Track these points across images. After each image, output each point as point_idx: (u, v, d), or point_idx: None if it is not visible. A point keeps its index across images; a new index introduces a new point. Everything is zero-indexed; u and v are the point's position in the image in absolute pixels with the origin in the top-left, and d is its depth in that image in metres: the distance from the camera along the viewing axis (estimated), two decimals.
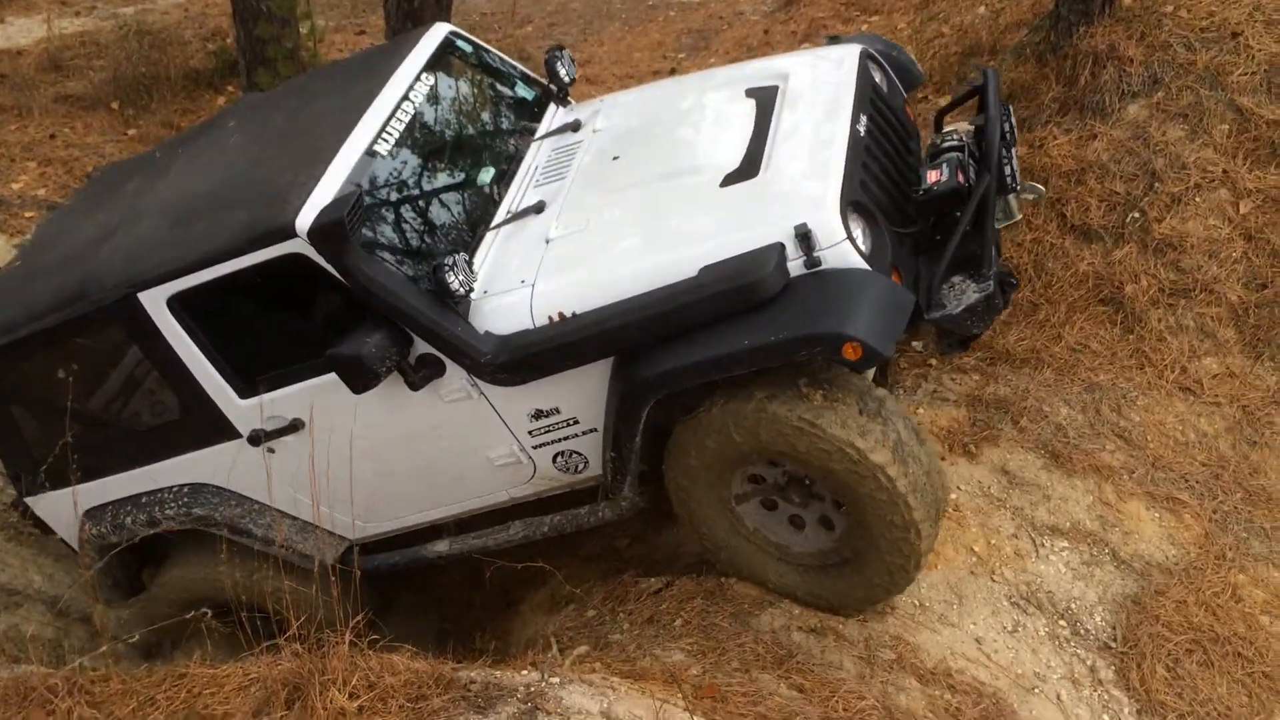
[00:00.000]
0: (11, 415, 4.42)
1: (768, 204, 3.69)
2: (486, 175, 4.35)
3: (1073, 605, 4.14)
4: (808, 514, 3.91)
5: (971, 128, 4.29)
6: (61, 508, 4.50)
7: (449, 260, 3.69)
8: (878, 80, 4.45)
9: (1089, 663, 3.97)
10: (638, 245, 3.76)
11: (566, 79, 4.92)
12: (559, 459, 4.07)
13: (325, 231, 3.60)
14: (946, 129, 4.44)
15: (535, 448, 4.04)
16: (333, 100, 4.43)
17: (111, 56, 9.32)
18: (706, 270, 3.53)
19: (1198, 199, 5.24)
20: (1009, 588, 4.13)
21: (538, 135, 4.67)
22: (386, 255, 3.80)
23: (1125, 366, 4.98)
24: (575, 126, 4.64)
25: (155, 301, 3.95)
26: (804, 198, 3.64)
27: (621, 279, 3.66)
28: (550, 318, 3.71)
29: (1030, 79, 6.14)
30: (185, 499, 4.35)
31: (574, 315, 3.68)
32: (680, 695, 3.35)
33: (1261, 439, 4.75)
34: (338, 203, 3.64)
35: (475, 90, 4.79)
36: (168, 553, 4.71)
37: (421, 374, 3.78)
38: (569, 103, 4.96)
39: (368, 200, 3.86)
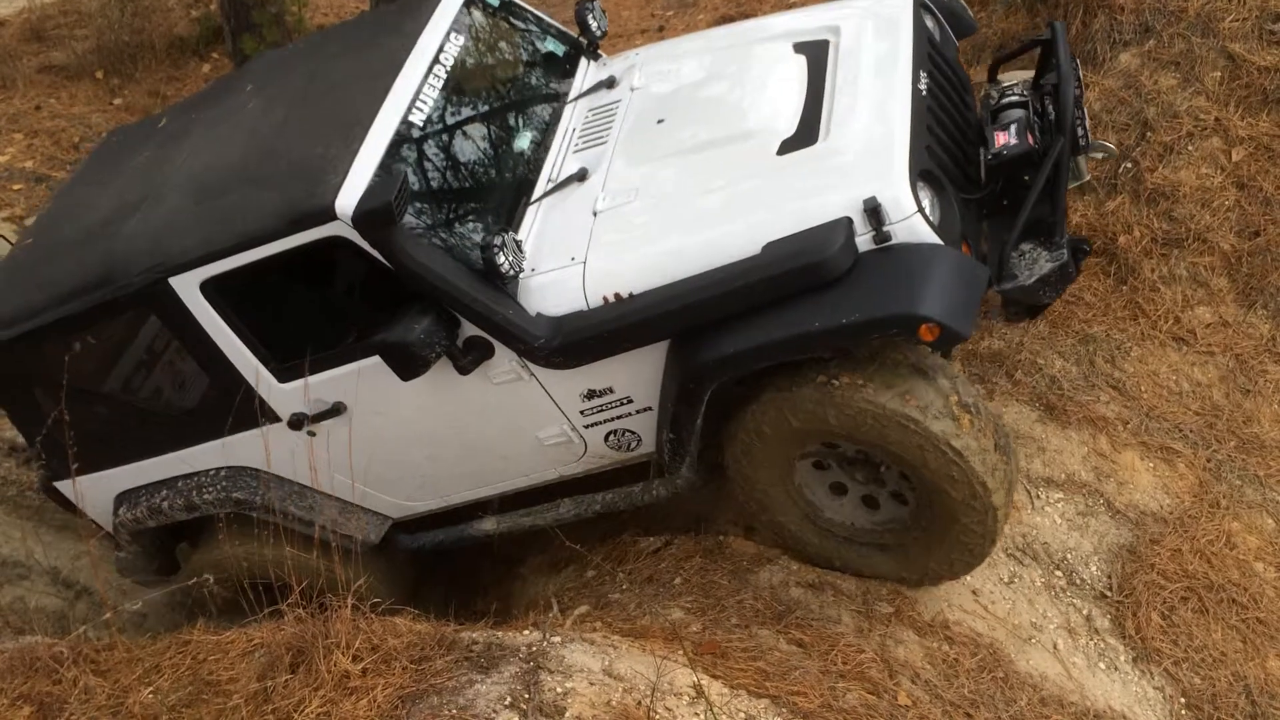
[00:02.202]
0: (35, 400, 4.29)
1: (830, 175, 3.50)
2: (523, 141, 4.14)
3: (1068, 556, 4.17)
4: (878, 492, 3.80)
5: (1027, 78, 4.08)
6: (92, 492, 4.42)
7: (498, 240, 3.51)
8: (932, 30, 4.21)
9: (1085, 612, 4.01)
10: (693, 220, 3.59)
11: (598, 32, 4.66)
12: (611, 437, 3.95)
13: (371, 216, 3.42)
14: (1004, 82, 4.17)
15: (587, 427, 3.91)
16: (357, 63, 4.22)
17: (94, 25, 9.21)
18: (770, 247, 3.37)
19: (1190, 148, 5.22)
20: (1005, 539, 4.16)
21: (572, 95, 4.43)
22: (429, 235, 3.63)
23: (1119, 318, 4.99)
24: (610, 83, 4.41)
25: (187, 286, 3.79)
26: (870, 168, 3.45)
27: (679, 256, 3.50)
28: (605, 298, 3.55)
29: (1021, 29, 6.09)
30: (224, 483, 4.24)
31: (631, 296, 3.52)
32: (681, 652, 3.38)
33: (1254, 387, 4.77)
34: (383, 184, 3.46)
35: (505, 48, 4.54)
36: (201, 528, 4.65)
37: (470, 358, 3.64)
38: (599, 56, 4.71)
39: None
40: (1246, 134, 5.19)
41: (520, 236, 3.73)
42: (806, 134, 3.69)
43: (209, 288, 3.77)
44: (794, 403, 3.50)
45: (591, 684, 3.14)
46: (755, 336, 3.37)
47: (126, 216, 4.05)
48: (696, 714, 3.10)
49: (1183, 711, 3.82)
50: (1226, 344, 4.90)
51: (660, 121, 4.05)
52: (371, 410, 3.90)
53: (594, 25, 4.64)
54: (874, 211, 3.30)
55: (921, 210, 3.34)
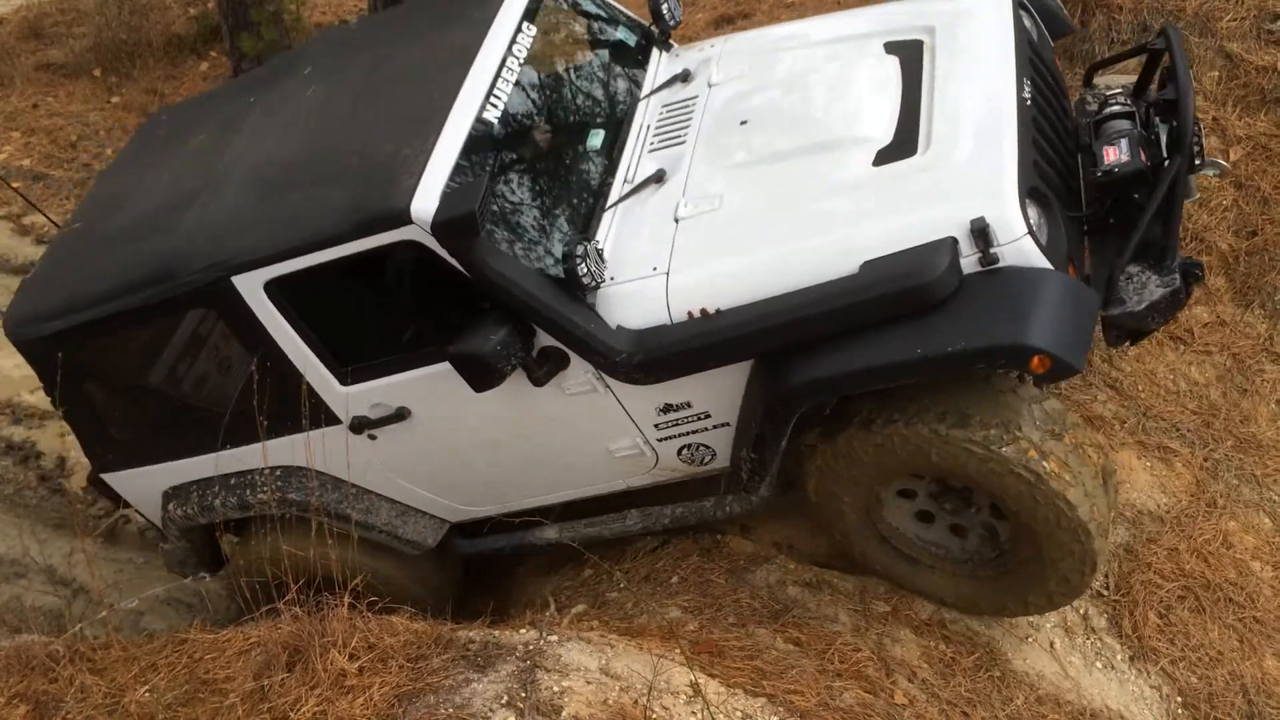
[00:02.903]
0: (86, 392, 4.18)
1: (934, 191, 3.29)
2: (596, 139, 3.92)
3: None
4: (968, 522, 3.63)
5: (1127, 85, 3.88)
6: (140, 485, 4.34)
7: (580, 249, 3.34)
8: (1030, 31, 3.93)
9: (1082, 611, 4.01)
10: (785, 233, 3.39)
11: (671, 21, 4.39)
12: (685, 451, 3.80)
13: (453, 225, 3.24)
14: (1105, 89, 3.94)
15: (660, 440, 3.77)
16: (425, 52, 4.01)
17: (92, 23, 9.22)
18: (869, 267, 3.18)
19: None
20: None
21: (646, 89, 4.20)
22: (506, 242, 3.46)
23: None
24: (685, 77, 4.19)
25: (251, 286, 3.64)
26: (977, 185, 3.24)
27: (770, 272, 3.31)
28: (690, 313, 3.38)
29: None
30: (278, 483, 4.14)
31: (718, 312, 3.35)
32: (678, 651, 3.38)
33: (1252, 386, 4.77)
34: (465, 191, 3.29)
35: (577, 38, 4.31)
36: (244, 520, 4.51)
37: (545, 369, 3.48)
38: (671, 47, 4.46)
39: (477, 179, 3.49)
40: (1244, 133, 5.19)
41: (598, 239, 3.57)
42: (904, 144, 3.48)
43: (273, 288, 3.64)
44: (879, 437, 3.36)
45: (588, 683, 3.14)
46: (851, 361, 3.19)
47: (184, 208, 3.91)
48: (693, 713, 3.10)
49: (1179, 710, 3.82)
50: (1224, 343, 4.90)
51: (743, 123, 3.83)
52: (437, 417, 3.80)
53: (668, 14, 4.38)
54: (981, 232, 3.11)
55: (1032, 232, 3.15)
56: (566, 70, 4.16)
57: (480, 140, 3.58)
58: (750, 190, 3.57)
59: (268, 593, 3.95)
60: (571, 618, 3.99)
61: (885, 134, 3.53)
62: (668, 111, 4.05)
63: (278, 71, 4.55)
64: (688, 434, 3.72)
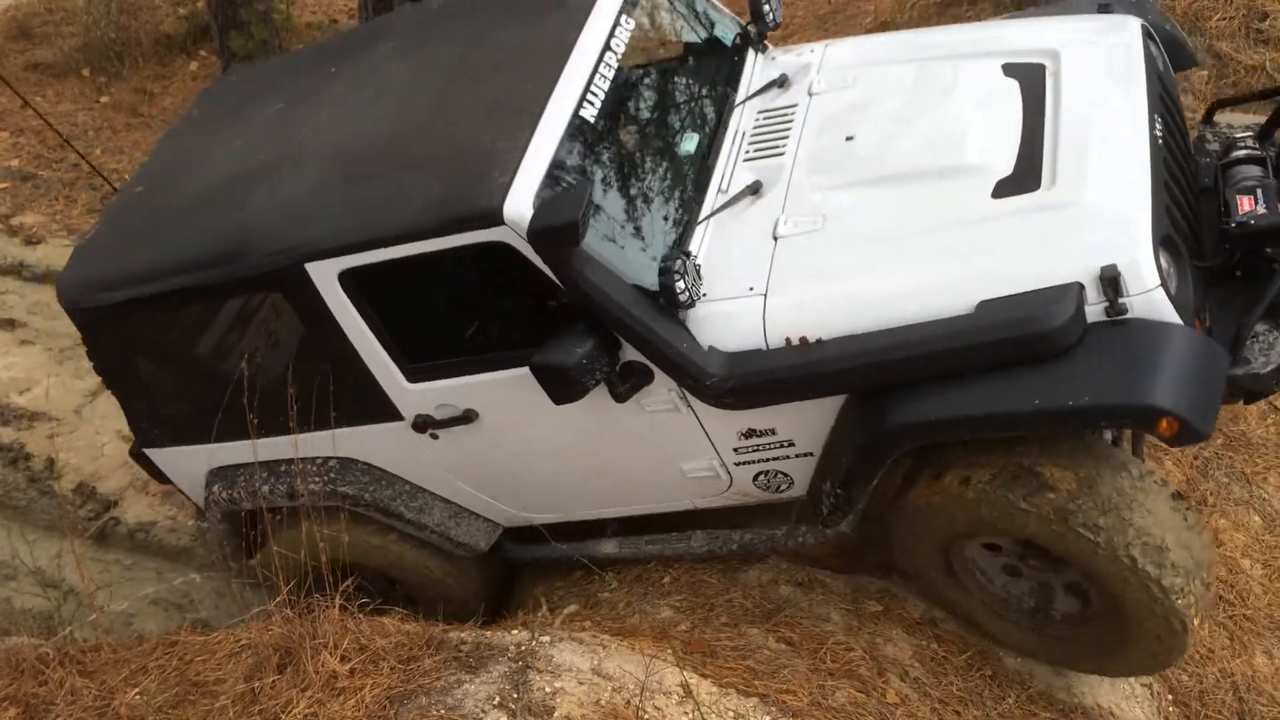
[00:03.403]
0: (137, 366, 4.06)
1: (1060, 231, 3.08)
2: (691, 144, 3.73)
3: None
4: (1054, 582, 3.46)
5: (1253, 125, 3.67)
6: (184, 464, 4.23)
7: (678, 264, 3.17)
8: (1158, 62, 3.67)
9: None
10: (894, 263, 3.21)
11: (771, 22, 4.15)
12: (761, 478, 3.66)
13: (552, 233, 3.08)
14: (1227, 129, 3.73)
15: (737, 464, 3.62)
16: (519, 38, 3.81)
17: (81, 22, 9.17)
18: (986, 308, 2.99)
19: None
20: None
21: (742, 93, 3.98)
22: (599, 251, 3.26)
23: None
24: (782, 83, 3.98)
25: (325, 274, 3.48)
26: (1109, 229, 3.04)
27: (877, 303, 3.13)
28: (788, 340, 3.20)
29: None
30: (331, 474, 4.00)
31: (819, 342, 3.17)
32: (670, 651, 3.38)
33: None
34: (569, 199, 3.12)
35: (674, 34, 4.11)
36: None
37: (628, 385, 3.33)
38: (766, 49, 4.22)
39: (575, 179, 3.34)
40: None
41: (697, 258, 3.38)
42: (1026, 176, 3.26)
43: (348, 278, 3.47)
44: (965, 499, 3.22)
45: (580, 683, 3.14)
46: (961, 405, 3.02)
47: (257, 183, 3.74)
48: (685, 713, 3.10)
49: (1170, 708, 3.83)
50: None
51: (849, 139, 3.61)
52: (505, 422, 3.67)
53: (769, 14, 4.13)
54: (1112, 281, 2.91)
55: (1164, 283, 2.94)
56: (662, 68, 3.98)
57: (575, 138, 3.43)
58: (856, 212, 3.38)
59: (303, 582, 3.91)
60: (563, 618, 3.99)
61: (1005, 164, 3.31)
62: (765, 119, 3.86)
63: (357, 43, 4.36)
64: (767, 461, 3.58)
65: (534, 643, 3.31)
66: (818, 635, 3.72)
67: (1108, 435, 3.41)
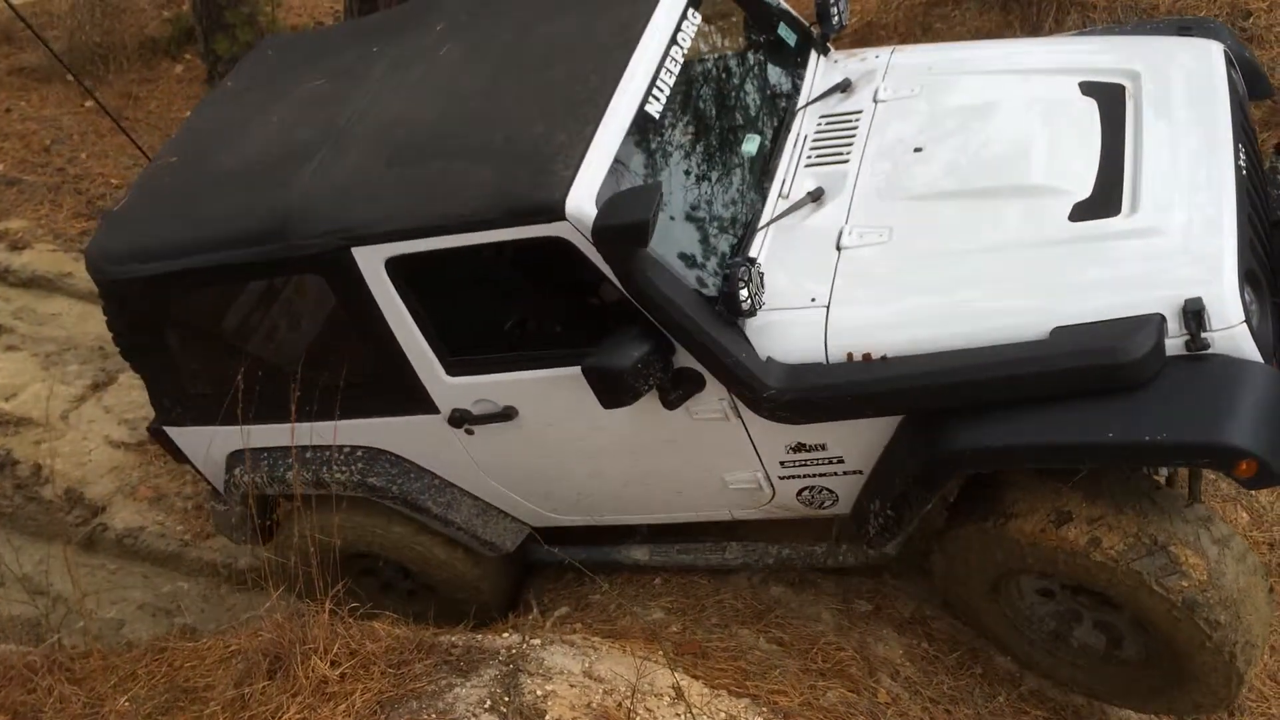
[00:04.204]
0: (166, 341, 3.93)
1: (1142, 259, 2.97)
2: (752, 145, 3.61)
3: None
4: (1107, 620, 3.41)
5: None
6: (205, 444, 4.12)
7: (743, 271, 3.05)
8: (1239, 90, 3.55)
9: None
10: (965, 281, 3.11)
11: (837, 23, 4.02)
12: (805, 493, 3.57)
13: (618, 232, 2.96)
14: None
15: (782, 478, 3.54)
16: (579, 26, 3.67)
17: (65, 26, 9.11)
18: (1061, 334, 2.90)
19: None
20: None
21: (804, 96, 3.85)
22: (660, 252, 3.15)
23: None
24: (845, 87, 3.87)
25: (372, 260, 3.36)
26: (1193, 261, 2.93)
27: (945, 322, 3.04)
28: (850, 355, 3.10)
29: (994, 26, 6.13)
30: (359, 464, 3.89)
31: (884, 359, 3.06)
32: (661, 653, 3.38)
33: None
34: (638, 198, 2.99)
35: (739, 31, 4.00)
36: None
37: (680, 392, 3.25)
38: (828, 51, 4.11)
39: (638, 176, 3.22)
40: None
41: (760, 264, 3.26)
42: (1105, 200, 3.15)
43: (395, 265, 3.36)
44: (1008, 533, 3.16)
45: (572, 686, 3.14)
46: (1030, 433, 2.92)
47: (301, 161, 3.62)
48: (677, 714, 3.10)
49: None
50: None
51: (917, 150, 3.50)
52: (546, 422, 3.59)
53: (835, 15, 4.01)
54: (1196, 315, 2.82)
55: (1248, 319, 2.86)
56: (725, 66, 3.84)
57: (639, 134, 3.31)
58: (925, 227, 3.26)
59: (320, 570, 3.85)
60: (554, 621, 3.98)
61: (1083, 186, 3.21)
62: (828, 124, 3.75)
63: (404, 22, 4.22)
64: (814, 476, 3.49)
65: (525, 646, 3.30)
66: (809, 635, 3.73)
67: (1163, 472, 3.32)
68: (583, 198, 3.06)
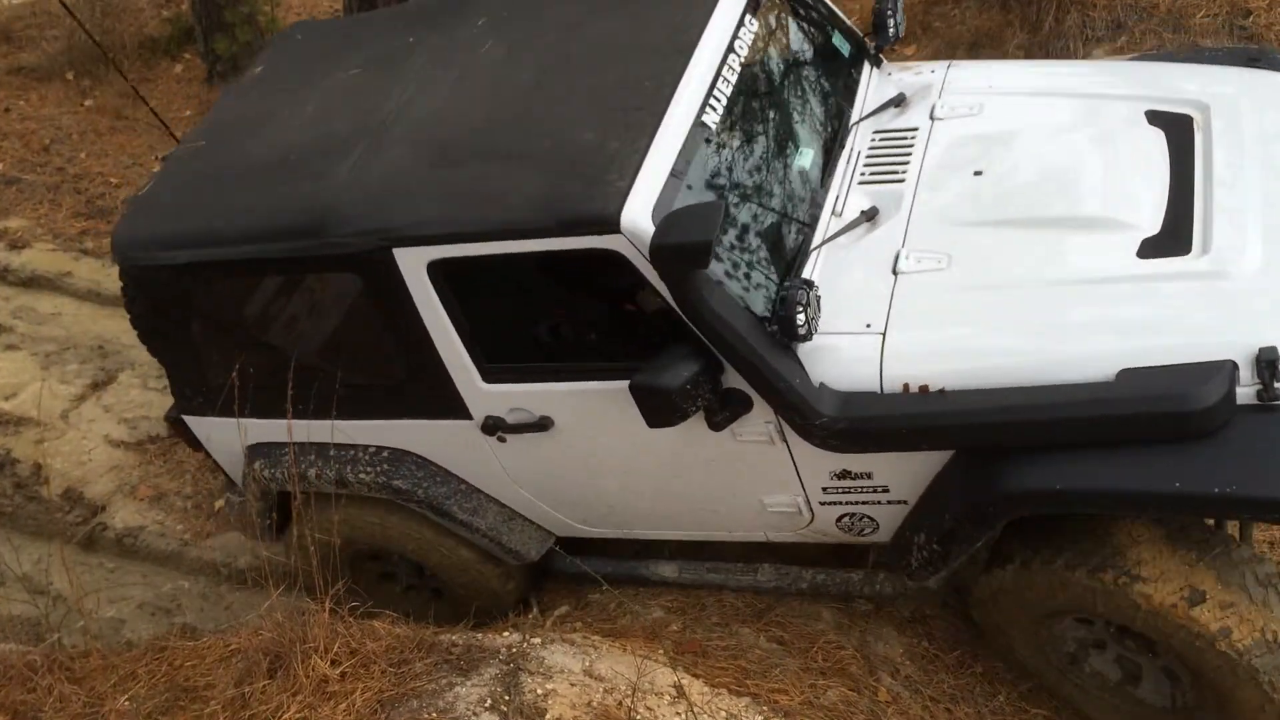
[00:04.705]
0: (190, 330, 3.86)
1: (1213, 302, 2.87)
2: (806, 159, 3.49)
3: None
4: (1146, 664, 3.31)
5: None
6: (225, 435, 4.00)
7: (800, 294, 2.95)
8: None
9: None
10: (1027, 315, 3.01)
11: (893, 35, 3.92)
12: (845, 519, 3.49)
13: (681, 251, 2.85)
14: None
15: (823, 504, 3.45)
16: (631, 28, 3.56)
17: (64, 26, 9.11)
18: (1127, 376, 2.80)
19: None
20: None
21: (858, 109, 3.76)
22: (715, 271, 3.04)
23: None
24: (899, 102, 3.76)
25: (414, 263, 3.28)
26: (1269, 307, 2.83)
27: (1007, 357, 2.94)
28: (906, 385, 3.00)
29: (995, 26, 6.12)
30: (385, 465, 3.82)
31: (942, 392, 2.97)
32: (661, 651, 3.38)
33: None
34: (701, 217, 2.88)
35: (794, 40, 3.85)
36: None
37: (726, 414, 3.17)
38: (881, 63, 4.00)
39: (694, 189, 3.12)
40: None
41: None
42: (1175, 238, 3.04)
43: (437, 269, 3.27)
44: (1054, 577, 3.09)
45: (572, 684, 3.13)
46: (1090, 478, 2.83)
47: (339, 156, 3.54)
48: (677, 713, 3.09)
49: None
50: None
51: (977, 174, 3.38)
52: (582, 434, 3.51)
53: (892, 26, 3.90)
54: (1270, 364, 2.71)
55: None
56: (778, 76, 3.72)
57: (696, 146, 3.19)
58: (986, 255, 3.16)
59: (334, 567, 3.72)
60: (554, 619, 3.99)
61: (1151, 222, 3.10)
62: (882, 140, 3.64)
63: (442, 14, 4.08)
64: (856, 504, 3.41)
65: (525, 645, 3.30)
66: (809, 634, 3.73)
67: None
68: (638, 211, 2.97)
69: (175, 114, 8.53)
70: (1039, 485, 2.89)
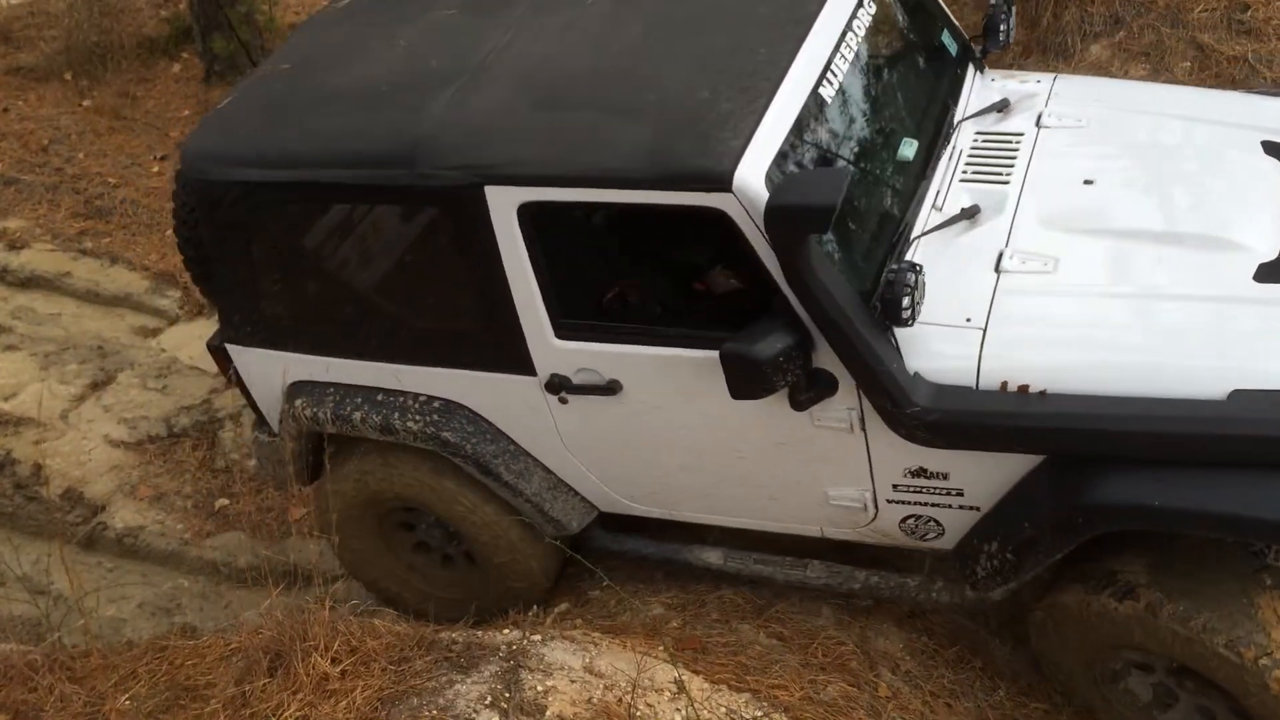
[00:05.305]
0: (250, 255, 3.71)
1: None
2: (910, 150, 3.44)
3: None
4: (1213, 705, 3.22)
5: None
6: (267, 369, 3.91)
7: (909, 276, 2.86)
8: None
9: None
10: (1137, 326, 2.97)
11: (1003, 40, 3.90)
12: (910, 520, 3.39)
13: (800, 214, 2.76)
14: None
15: (890, 501, 3.36)
16: None
17: (62, 26, 9.12)
18: (1240, 398, 2.75)
19: None
20: None
21: (961, 109, 3.73)
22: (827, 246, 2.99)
23: None
24: (1002, 107, 3.73)
25: (505, 202, 3.18)
26: None
27: (1115, 366, 2.89)
28: (1005, 383, 2.94)
29: None
30: (435, 417, 3.68)
31: (1043, 394, 2.91)
32: (661, 648, 3.38)
33: None
34: (826, 180, 2.80)
35: (906, 30, 3.85)
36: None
37: (811, 394, 3.08)
38: (984, 68, 3.99)
39: (807, 158, 3.05)
40: None
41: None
42: None
43: (528, 211, 3.17)
44: (1109, 609, 3.04)
45: (572, 681, 3.14)
46: (1190, 498, 2.77)
47: (434, 90, 3.44)
48: (678, 710, 3.09)
49: None
50: None
51: (1087, 183, 3.36)
52: (650, 403, 3.39)
53: (1003, 31, 3.88)
54: None
55: None
56: (889, 64, 3.70)
57: (810, 115, 3.13)
58: (1095, 262, 3.12)
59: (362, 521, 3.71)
60: (554, 617, 3.99)
61: (1269, 247, 3.07)
62: (985, 141, 3.61)
63: None
64: (926, 505, 3.31)
65: (525, 642, 3.30)
66: (809, 630, 3.73)
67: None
68: (752, 172, 2.89)
69: (174, 114, 8.54)
70: (1135, 500, 2.84)
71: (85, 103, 8.67)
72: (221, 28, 8.25)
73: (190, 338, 6.34)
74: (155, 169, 7.93)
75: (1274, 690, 2.86)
